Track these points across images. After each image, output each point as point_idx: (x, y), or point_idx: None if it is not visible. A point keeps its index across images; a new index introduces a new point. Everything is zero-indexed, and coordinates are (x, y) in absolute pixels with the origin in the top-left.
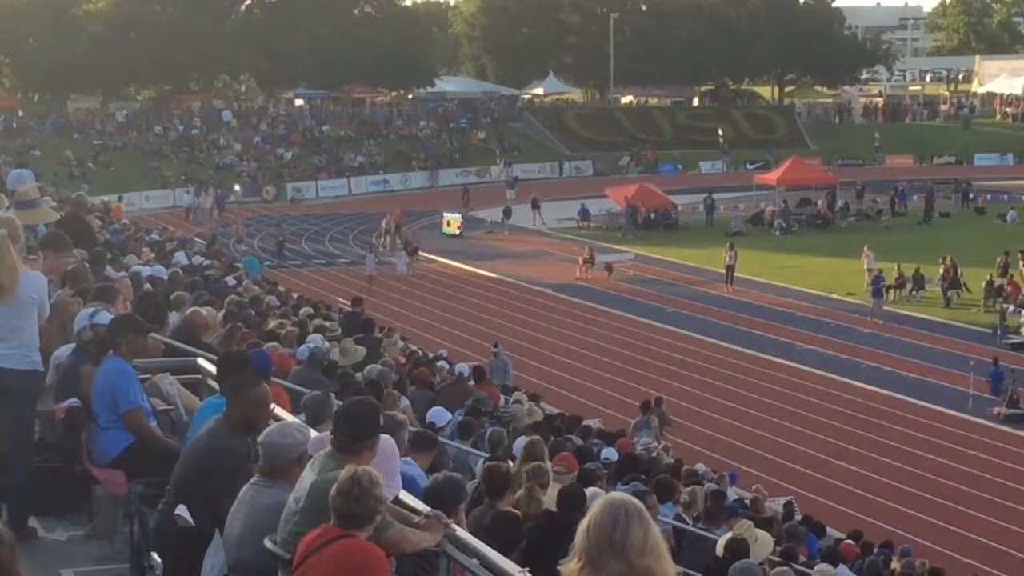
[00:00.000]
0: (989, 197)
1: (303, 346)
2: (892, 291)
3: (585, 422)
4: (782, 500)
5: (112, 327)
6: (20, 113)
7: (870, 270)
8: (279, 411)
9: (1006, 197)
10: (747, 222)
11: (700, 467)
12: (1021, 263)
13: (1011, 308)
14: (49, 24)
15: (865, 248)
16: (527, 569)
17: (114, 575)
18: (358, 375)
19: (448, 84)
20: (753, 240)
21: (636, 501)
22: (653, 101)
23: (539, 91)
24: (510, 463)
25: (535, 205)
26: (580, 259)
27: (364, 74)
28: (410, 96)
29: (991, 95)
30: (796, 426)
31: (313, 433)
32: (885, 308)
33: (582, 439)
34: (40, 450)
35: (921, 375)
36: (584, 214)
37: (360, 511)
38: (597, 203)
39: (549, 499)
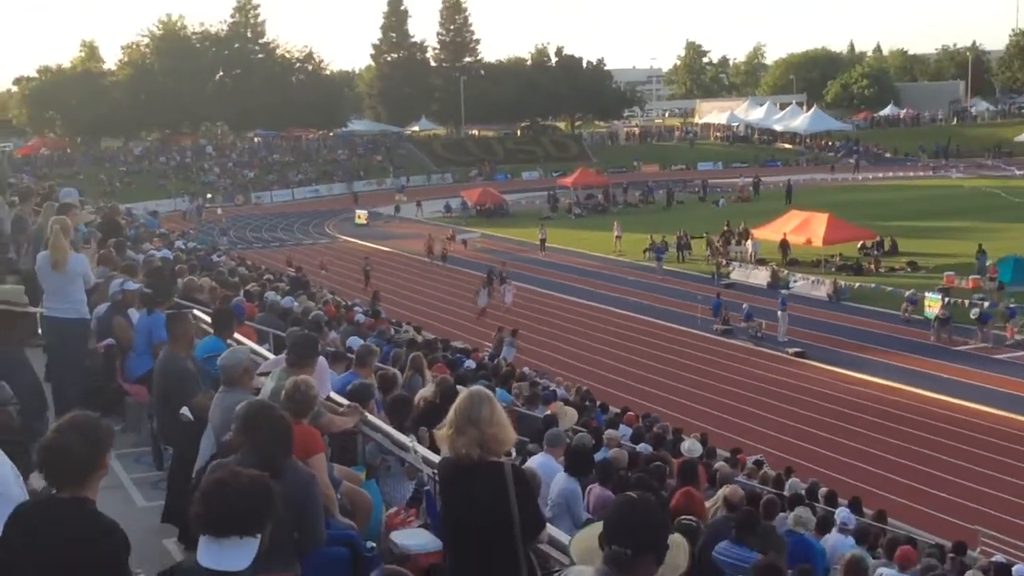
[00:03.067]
0: (708, 190)
1: (264, 297)
2: (645, 252)
3: (453, 343)
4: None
5: (156, 289)
6: (68, 150)
7: (619, 237)
8: (242, 339)
9: (718, 190)
10: (552, 210)
11: (526, 370)
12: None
13: (724, 262)
14: (86, 89)
15: (616, 223)
16: (414, 437)
17: (141, 456)
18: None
19: (356, 125)
20: (557, 222)
21: (486, 391)
22: (490, 133)
23: (416, 128)
24: (398, 372)
25: (418, 204)
26: (446, 236)
27: (300, 119)
28: (331, 133)
29: (707, 125)
30: (590, 343)
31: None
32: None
33: (450, 355)
34: (88, 373)
35: (668, 306)
36: (447, 208)
37: (301, 406)
38: (455, 201)
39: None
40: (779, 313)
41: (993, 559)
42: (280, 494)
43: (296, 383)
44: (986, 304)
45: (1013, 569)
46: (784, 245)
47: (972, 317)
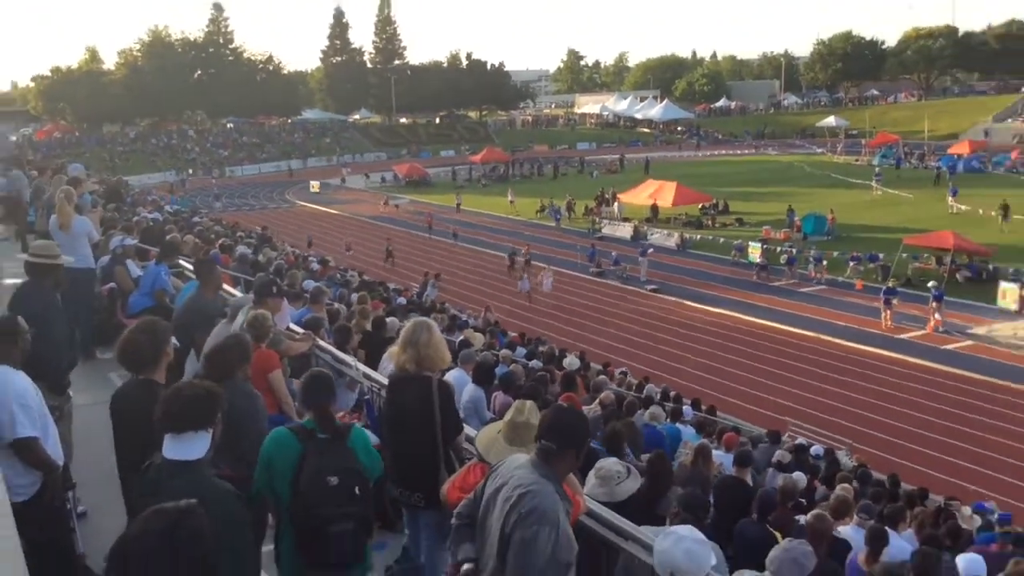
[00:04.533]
0: (585, 164)
1: (236, 251)
2: (538, 212)
3: (388, 283)
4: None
5: (163, 250)
6: (76, 134)
7: (512, 201)
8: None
9: (593, 164)
10: (466, 180)
11: (454, 310)
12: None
13: (598, 219)
14: (90, 85)
15: (510, 190)
16: (355, 357)
17: None
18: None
19: (309, 114)
20: (470, 190)
21: (427, 320)
22: (416, 120)
23: (357, 116)
24: (343, 306)
25: (367, 175)
26: (383, 202)
27: (264, 109)
28: (289, 120)
29: (584, 114)
30: (497, 284)
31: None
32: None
33: (386, 292)
34: (95, 311)
35: (557, 255)
36: (383, 179)
37: (260, 332)
38: (388, 174)
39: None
40: (640, 259)
41: (796, 442)
42: (225, 399)
43: (255, 315)
44: (794, 251)
45: (811, 449)
46: (654, 208)
47: (782, 261)
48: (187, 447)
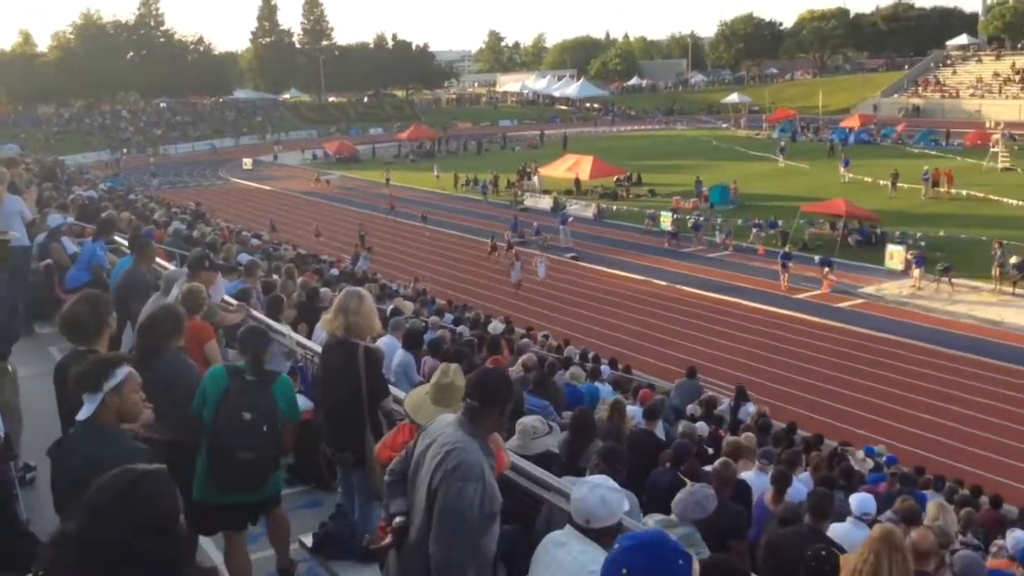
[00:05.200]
0: (507, 140)
1: (171, 227)
2: (462, 186)
3: (322, 256)
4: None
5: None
6: (12, 115)
7: (437, 176)
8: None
9: (514, 140)
10: (395, 156)
11: (385, 280)
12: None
13: (520, 192)
14: (24, 67)
15: (435, 165)
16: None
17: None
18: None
19: (240, 93)
20: (398, 166)
21: (359, 289)
22: (344, 99)
23: (287, 96)
24: (276, 278)
25: (302, 151)
26: (314, 178)
27: (196, 89)
28: (220, 100)
29: (505, 92)
30: (427, 255)
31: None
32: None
33: (319, 264)
34: (32, 286)
35: (484, 227)
36: (314, 156)
37: (193, 304)
38: (319, 151)
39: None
40: (561, 227)
41: (705, 396)
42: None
43: (189, 288)
44: (701, 219)
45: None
46: (577, 182)
47: (690, 227)
48: (84, 408)
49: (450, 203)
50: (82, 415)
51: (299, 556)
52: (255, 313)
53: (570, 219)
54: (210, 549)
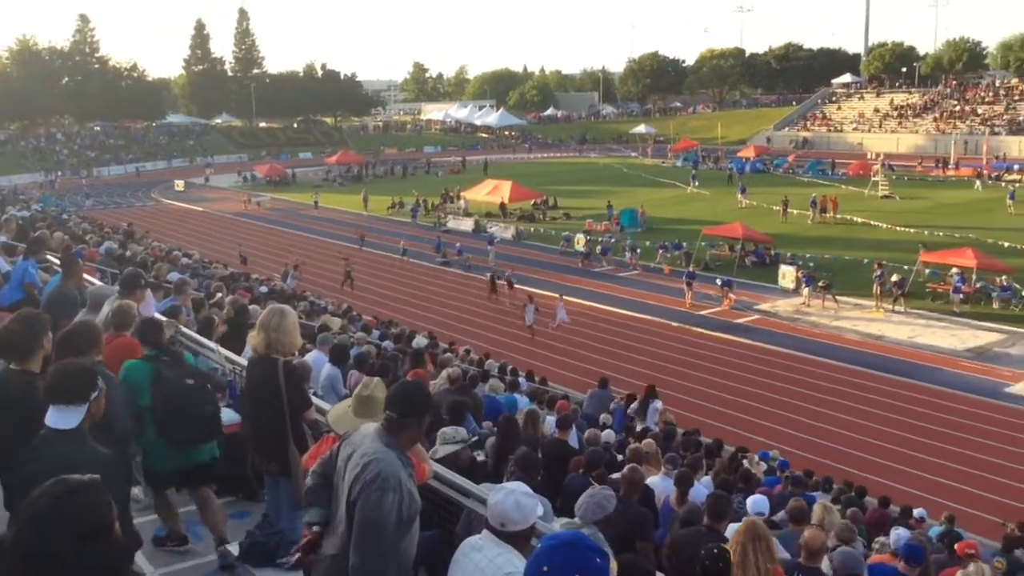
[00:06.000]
0: (431, 166)
1: (102, 246)
2: (389, 209)
3: (252, 275)
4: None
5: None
6: None
7: (365, 200)
8: (87, 277)
9: (438, 165)
10: (323, 180)
11: (313, 297)
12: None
13: (443, 215)
14: None
15: (364, 190)
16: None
17: None
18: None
19: (173, 118)
20: (327, 189)
21: (282, 306)
22: (275, 124)
23: (219, 121)
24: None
25: (238, 172)
26: (244, 200)
27: (130, 113)
28: (154, 124)
29: (430, 120)
30: (357, 274)
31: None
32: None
33: (249, 283)
34: None
35: (411, 247)
36: (246, 179)
37: (123, 321)
38: (250, 174)
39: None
40: (489, 247)
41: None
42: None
43: (119, 305)
44: (612, 241)
45: (628, 409)
46: (503, 205)
47: (597, 251)
48: (64, 417)
49: (381, 225)
50: (65, 424)
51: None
52: (184, 328)
53: (496, 240)
54: (141, 560)
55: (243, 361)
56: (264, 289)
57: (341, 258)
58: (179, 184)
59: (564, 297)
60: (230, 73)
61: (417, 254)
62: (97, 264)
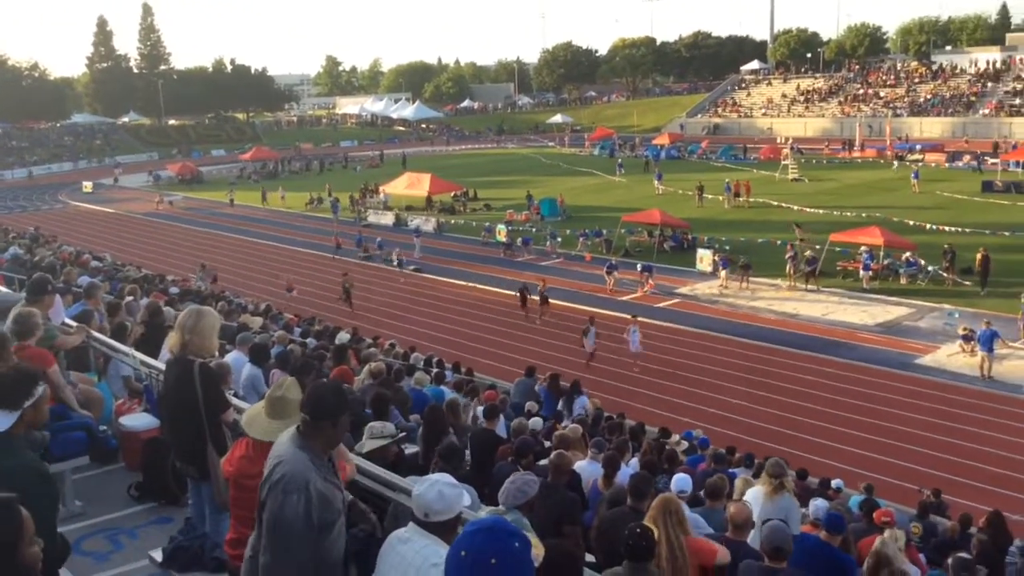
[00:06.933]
0: (348, 160)
1: (8, 252)
2: (307, 205)
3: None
4: None
5: None
6: None
7: (283, 197)
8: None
9: (356, 160)
10: (237, 177)
11: (232, 296)
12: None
13: (363, 209)
14: None
15: (280, 187)
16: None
17: None
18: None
19: (78, 118)
20: (241, 186)
21: (199, 307)
22: (185, 121)
23: (126, 119)
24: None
25: (150, 172)
26: (156, 200)
27: (33, 114)
28: (58, 124)
29: (345, 114)
30: (275, 270)
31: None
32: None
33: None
34: None
35: (325, 241)
36: (156, 178)
37: (25, 329)
38: (163, 172)
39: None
40: (415, 239)
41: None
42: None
43: (19, 313)
44: (533, 230)
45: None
46: (428, 199)
47: (519, 242)
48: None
49: (301, 222)
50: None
51: (148, 572)
52: (95, 333)
53: (421, 233)
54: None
55: (160, 365)
56: (176, 289)
57: (340, 275)
58: (87, 185)
59: (637, 318)
60: (136, 70)
61: (325, 247)
62: (3, 271)
